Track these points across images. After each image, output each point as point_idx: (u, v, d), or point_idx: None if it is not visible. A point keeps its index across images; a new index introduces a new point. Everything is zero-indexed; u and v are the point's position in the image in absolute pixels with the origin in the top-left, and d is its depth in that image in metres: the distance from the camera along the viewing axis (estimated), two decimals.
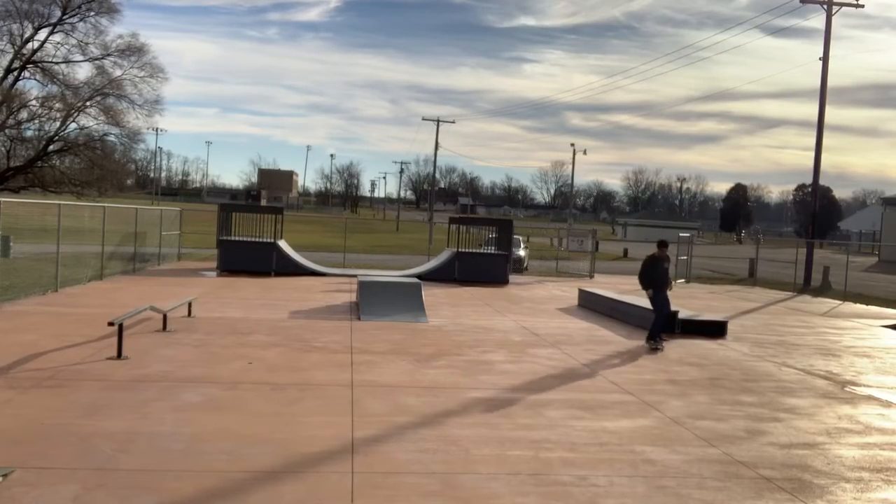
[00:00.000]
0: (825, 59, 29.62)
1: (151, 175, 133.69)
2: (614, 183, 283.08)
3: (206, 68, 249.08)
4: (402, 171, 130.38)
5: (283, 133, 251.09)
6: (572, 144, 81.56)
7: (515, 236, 28.92)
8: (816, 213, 32.39)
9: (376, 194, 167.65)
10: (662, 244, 12.58)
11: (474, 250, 24.50)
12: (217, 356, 9.98)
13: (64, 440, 6.26)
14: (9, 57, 34.29)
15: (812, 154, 30.18)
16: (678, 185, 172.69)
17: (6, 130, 34.39)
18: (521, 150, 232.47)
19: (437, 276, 22.85)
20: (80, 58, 35.87)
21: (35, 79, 35.86)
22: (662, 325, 12.43)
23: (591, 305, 17.63)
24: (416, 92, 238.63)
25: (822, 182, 31.74)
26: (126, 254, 21.52)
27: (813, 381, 10.45)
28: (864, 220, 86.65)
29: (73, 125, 35.75)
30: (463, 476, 5.90)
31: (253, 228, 23.16)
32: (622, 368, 10.64)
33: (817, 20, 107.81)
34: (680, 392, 9.27)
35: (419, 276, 19.57)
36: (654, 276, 12.48)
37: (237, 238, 23.03)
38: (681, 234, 31.66)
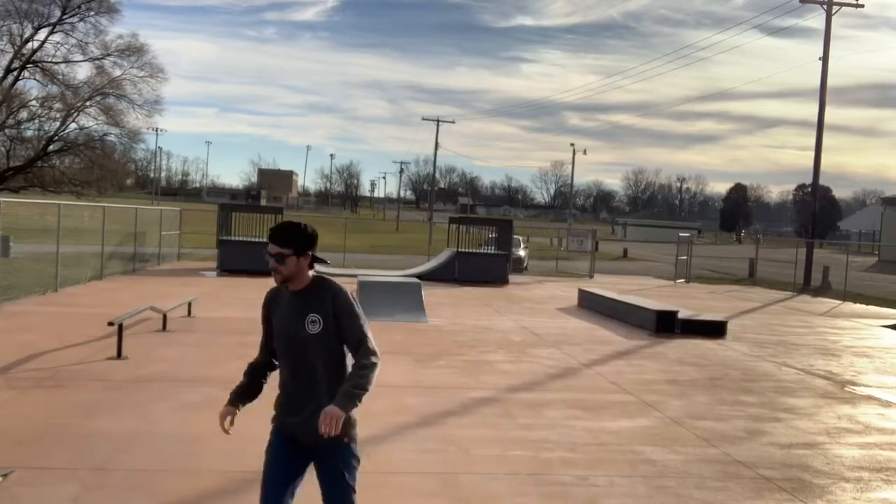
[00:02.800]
0: (825, 59, 29.63)
1: (151, 175, 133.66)
2: (614, 183, 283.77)
3: (204, 68, 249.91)
4: (401, 171, 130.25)
5: (282, 133, 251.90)
6: (572, 144, 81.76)
7: (515, 236, 28.91)
8: (816, 213, 32.40)
9: (376, 194, 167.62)
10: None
11: (474, 250, 24.51)
12: (217, 356, 9.97)
13: (64, 440, 6.25)
14: (9, 57, 34.35)
15: (811, 154, 30.21)
16: (678, 185, 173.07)
17: (6, 130, 34.40)
18: (520, 150, 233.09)
19: (437, 276, 22.84)
20: (80, 58, 35.97)
21: (35, 79, 35.95)
22: None
23: (591, 305, 17.62)
24: (415, 92, 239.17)
25: (821, 182, 31.76)
26: (126, 254, 21.52)
27: (813, 380, 10.44)
28: (864, 220, 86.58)
29: (73, 125, 35.85)
30: (463, 476, 5.89)
31: (253, 228, 23.14)
32: (622, 368, 10.63)
33: (816, 20, 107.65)
34: (680, 392, 9.27)
35: (419, 276, 19.56)
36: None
37: (237, 238, 23.02)
38: (681, 234, 31.75)
